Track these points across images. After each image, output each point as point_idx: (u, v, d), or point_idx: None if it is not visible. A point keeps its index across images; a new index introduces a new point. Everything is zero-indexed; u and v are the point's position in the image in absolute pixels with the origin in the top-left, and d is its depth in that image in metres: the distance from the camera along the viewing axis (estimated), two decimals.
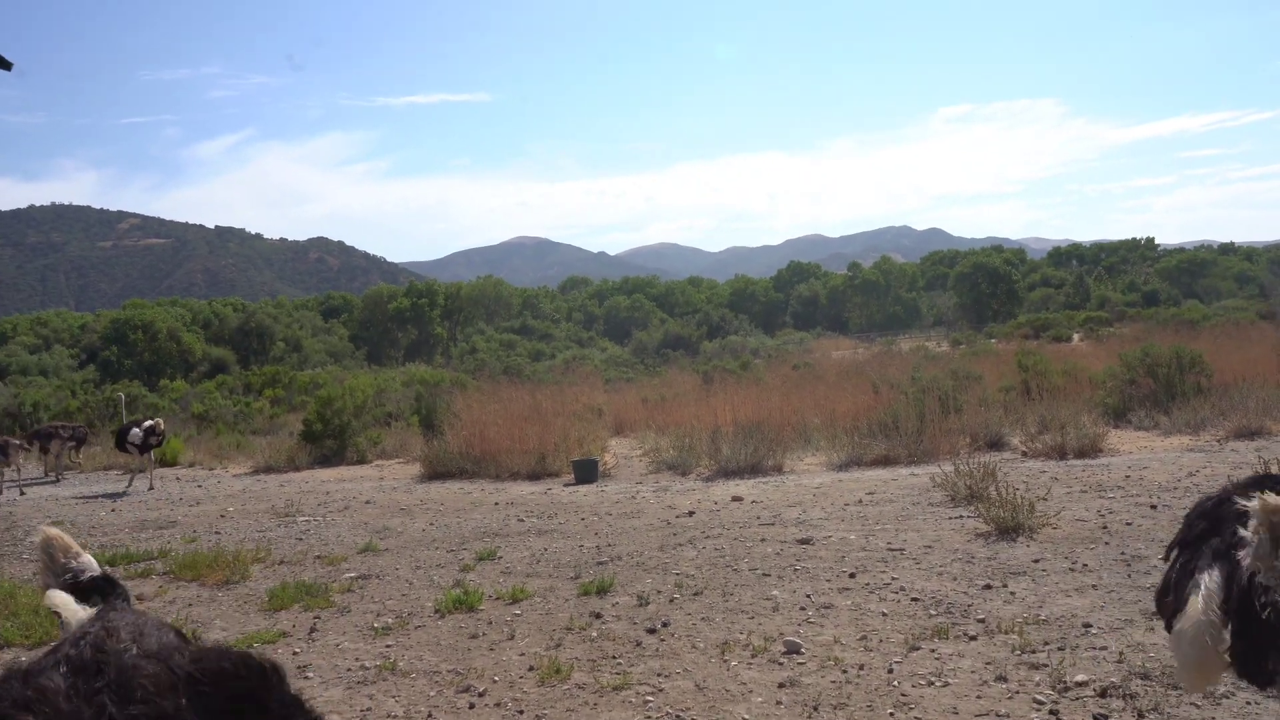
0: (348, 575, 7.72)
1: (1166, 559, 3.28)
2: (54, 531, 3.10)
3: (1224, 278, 77.33)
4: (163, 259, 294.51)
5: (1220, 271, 79.25)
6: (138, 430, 14.58)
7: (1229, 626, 2.73)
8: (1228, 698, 4.20)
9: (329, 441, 16.90)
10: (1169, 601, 3.08)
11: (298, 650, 5.81)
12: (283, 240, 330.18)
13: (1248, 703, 4.15)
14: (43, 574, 3.07)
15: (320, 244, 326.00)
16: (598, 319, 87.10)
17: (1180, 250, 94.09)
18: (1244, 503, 2.70)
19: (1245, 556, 2.68)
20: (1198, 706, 4.14)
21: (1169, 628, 3.03)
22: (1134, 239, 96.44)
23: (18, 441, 15.27)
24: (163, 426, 15.00)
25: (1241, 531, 2.70)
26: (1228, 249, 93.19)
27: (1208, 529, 3.04)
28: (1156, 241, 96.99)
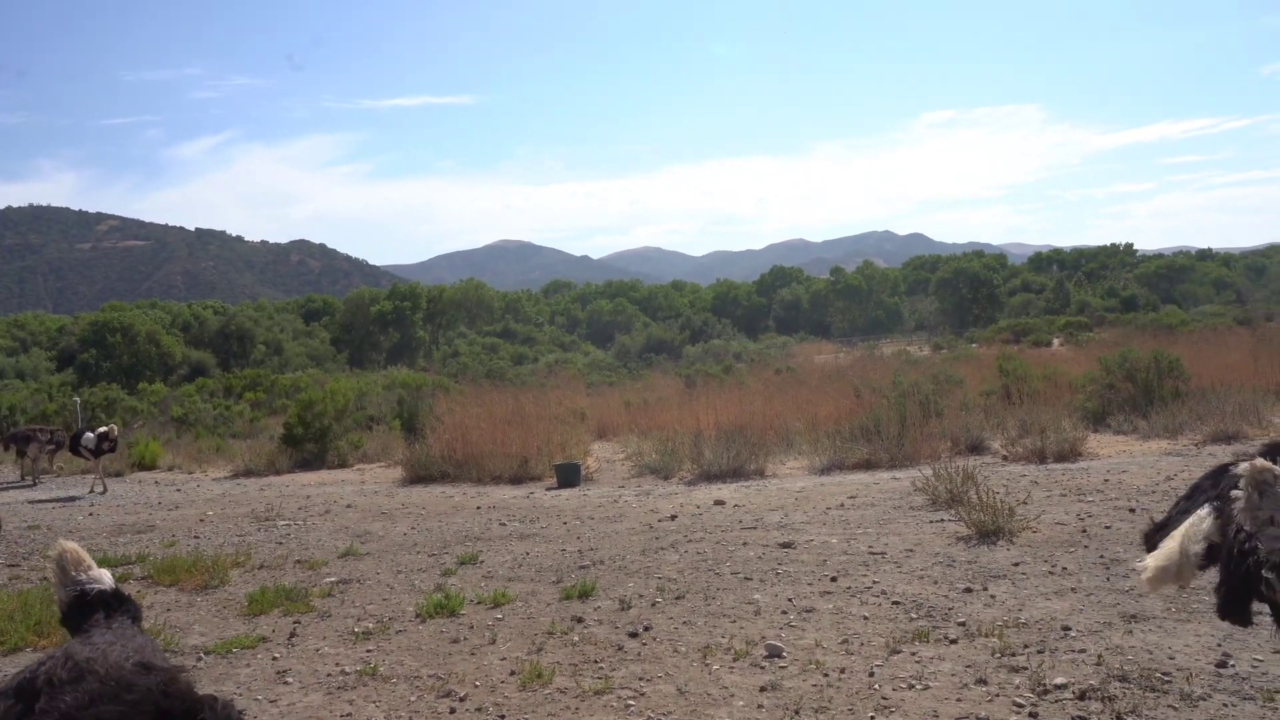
0: (328, 580, 7.68)
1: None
2: (69, 545, 3.08)
3: (1202, 283, 78.13)
4: (142, 261, 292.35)
5: (1198, 277, 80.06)
6: (91, 435, 14.95)
7: (1218, 572, 3.09)
8: (1204, 700, 4.24)
9: (310, 445, 16.81)
10: (1159, 537, 3.42)
11: (277, 655, 5.77)
12: (264, 243, 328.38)
13: (1223, 705, 4.18)
14: (55, 587, 3.05)
15: (302, 246, 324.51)
16: (581, 323, 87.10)
17: (1159, 256, 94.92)
18: (1237, 468, 2.97)
19: (1237, 511, 2.91)
20: (1175, 709, 4.17)
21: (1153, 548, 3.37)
22: (1113, 245, 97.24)
23: None
24: (115, 433, 15.27)
25: (1235, 491, 2.91)
26: (1206, 255, 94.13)
27: (1209, 487, 3.35)
28: (1136, 247, 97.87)
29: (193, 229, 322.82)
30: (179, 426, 23.75)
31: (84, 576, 3.01)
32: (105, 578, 3.07)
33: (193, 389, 33.98)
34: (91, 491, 14.66)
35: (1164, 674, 4.57)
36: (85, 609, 2.95)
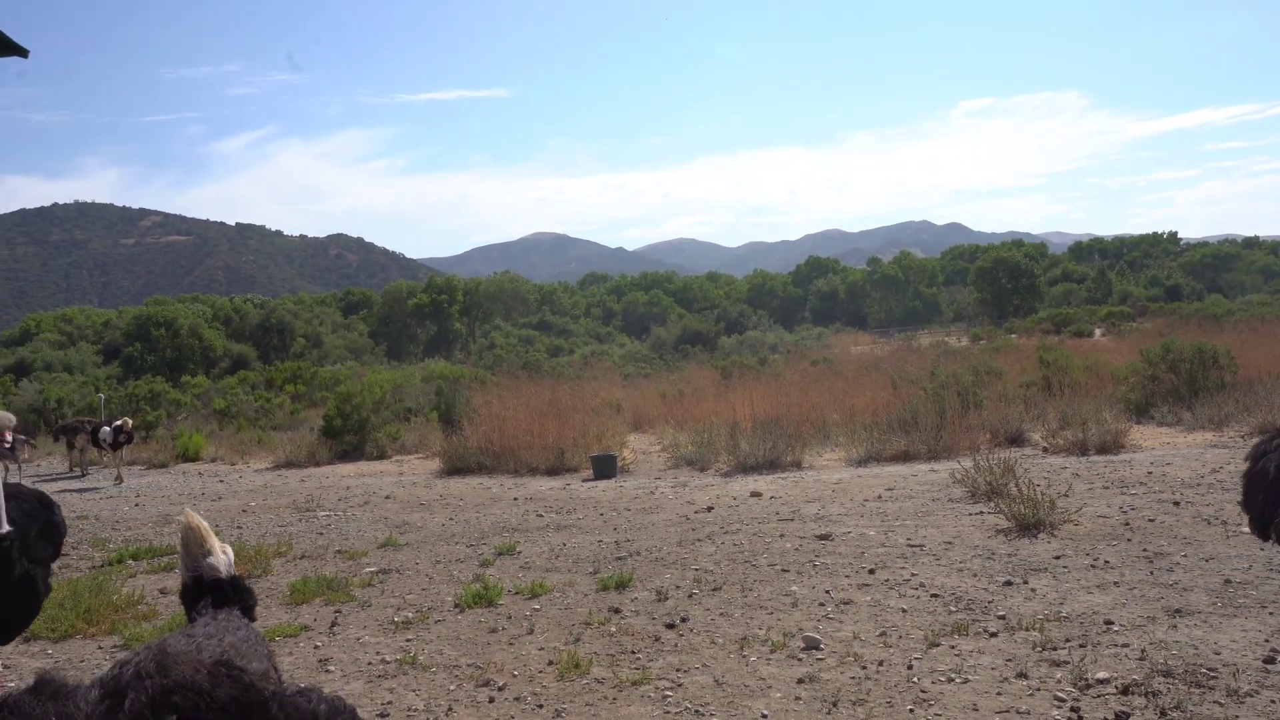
0: (368, 570, 7.77)
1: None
2: (194, 521, 3.12)
3: (1249, 272, 76.59)
4: (184, 256, 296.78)
5: (1245, 265, 78.49)
6: (107, 429, 15.57)
7: None
8: (1251, 696, 4.17)
9: (349, 437, 16.99)
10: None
11: (319, 644, 5.85)
12: (302, 237, 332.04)
13: (1272, 701, 4.11)
14: (180, 562, 3.11)
15: (340, 240, 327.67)
16: (616, 314, 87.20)
17: (1204, 244, 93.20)
18: None
19: None
20: (1220, 705, 4.11)
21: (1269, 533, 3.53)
22: (1156, 233, 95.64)
23: (23, 437, 15.85)
24: (130, 425, 15.95)
25: None
26: (1252, 243, 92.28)
27: None
28: (1180, 235, 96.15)
29: (233, 224, 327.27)
30: (221, 418, 24.12)
31: (202, 562, 3.06)
32: (221, 564, 3.10)
33: (234, 381, 34.46)
34: (117, 482, 15.02)
35: (1210, 669, 4.49)
36: (199, 593, 3.01)
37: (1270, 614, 5.22)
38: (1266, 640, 4.82)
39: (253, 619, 3.04)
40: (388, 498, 11.92)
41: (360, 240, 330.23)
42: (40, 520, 4.27)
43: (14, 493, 4.28)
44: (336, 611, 6.55)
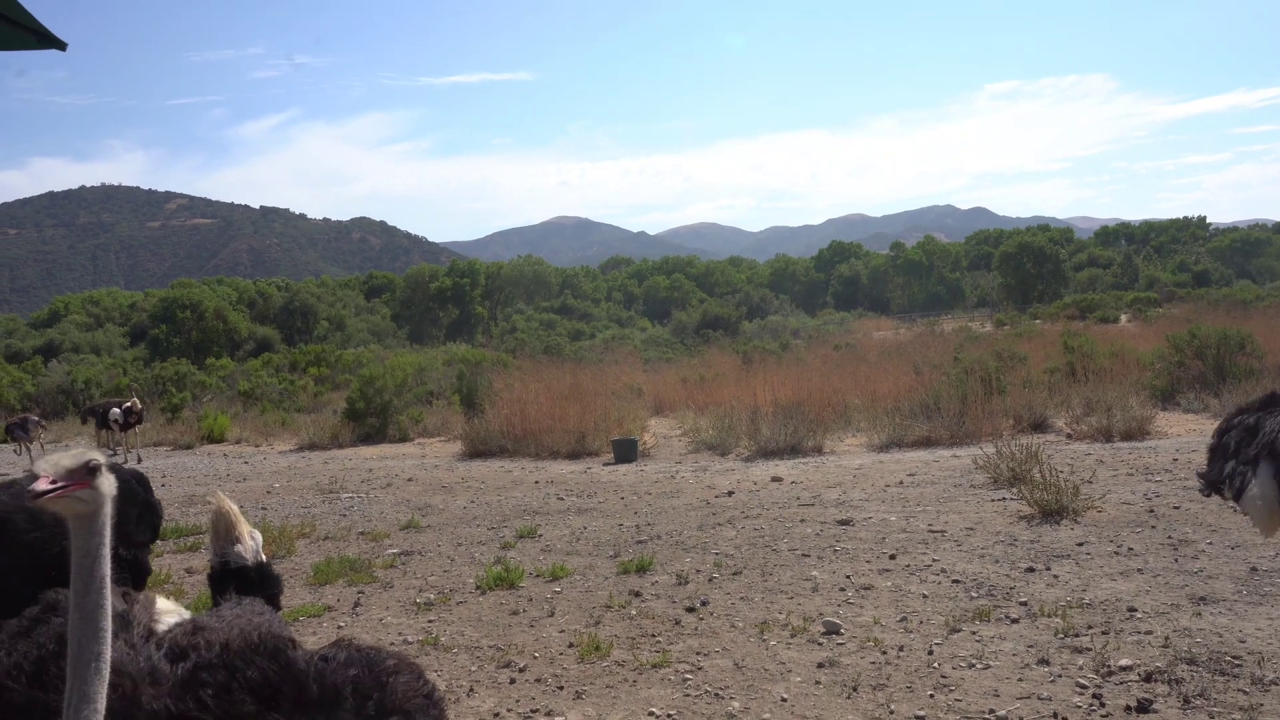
0: (390, 551, 7.83)
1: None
2: (225, 507, 3.16)
3: (1279, 257, 75.46)
4: (209, 239, 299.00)
5: (1275, 251, 77.43)
6: (117, 410, 16.02)
7: None
8: (1277, 684, 4.13)
9: (371, 420, 17.10)
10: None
11: (342, 624, 5.91)
12: (326, 220, 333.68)
13: None
14: (210, 545, 3.15)
15: (363, 224, 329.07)
16: (637, 299, 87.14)
17: (1233, 229, 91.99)
18: None
19: None
20: (1245, 693, 4.08)
21: (1237, 494, 3.88)
22: (1185, 218, 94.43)
23: (35, 418, 16.28)
24: (139, 407, 16.40)
25: None
26: None
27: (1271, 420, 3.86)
28: (1208, 220, 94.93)
29: (257, 207, 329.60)
30: (246, 401, 24.33)
31: (230, 549, 3.11)
32: (249, 551, 3.14)
33: (259, 364, 34.75)
34: (137, 463, 15.27)
35: (1234, 657, 4.46)
36: (225, 579, 3.05)
37: None
38: None
39: (278, 607, 3.08)
40: (410, 480, 11.99)
41: (383, 224, 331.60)
42: (139, 502, 4.21)
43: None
44: (359, 592, 6.61)
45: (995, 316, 51.85)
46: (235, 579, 3.07)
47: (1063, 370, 16.05)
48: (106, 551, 1.93)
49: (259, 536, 3.19)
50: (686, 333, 49.41)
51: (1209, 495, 4.24)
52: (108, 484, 1.96)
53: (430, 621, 5.87)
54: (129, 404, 16.11)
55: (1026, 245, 79.79)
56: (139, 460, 15.40)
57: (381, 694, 2.17)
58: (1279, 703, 3.97)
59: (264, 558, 3.43)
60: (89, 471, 1.94)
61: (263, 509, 10.30)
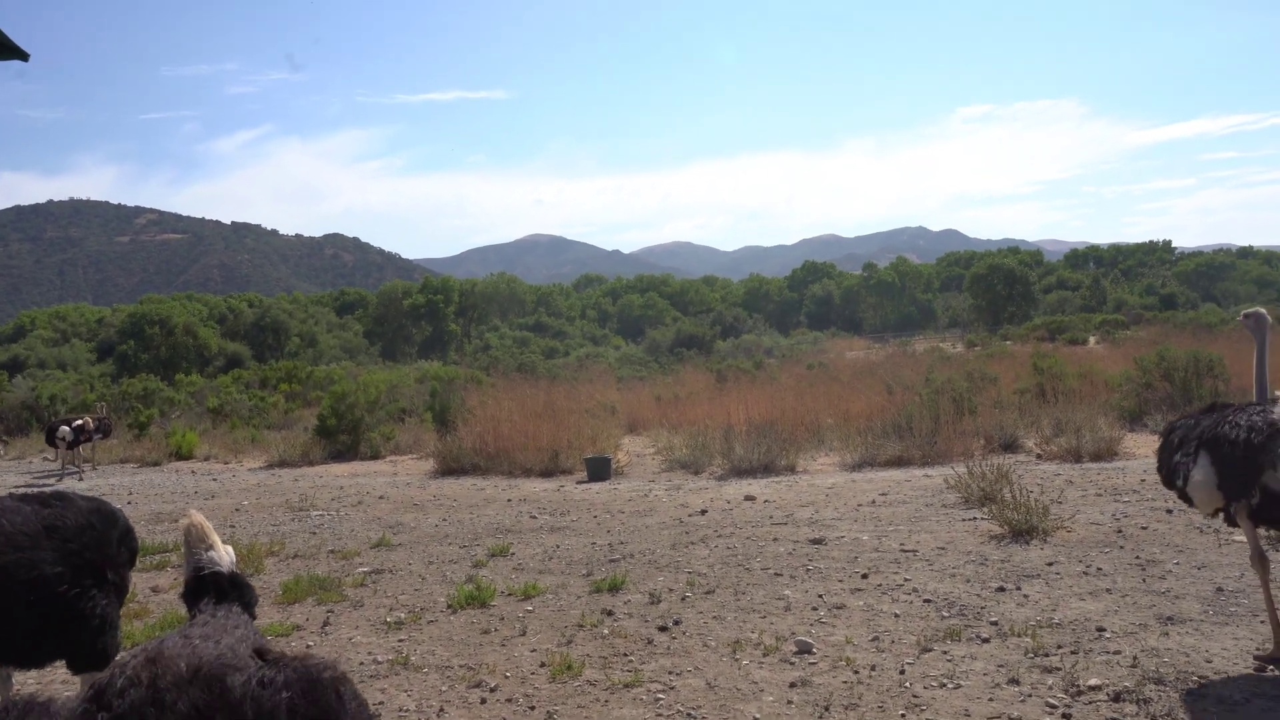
0: (361, 570, 7.76)
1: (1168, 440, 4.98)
2: (196, 519, 3.12)
3: (1243, 281, 76.82)
4: (179, 254, 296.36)
5: (1239, 275, 78.75)
6: (67, 428, 15.56)
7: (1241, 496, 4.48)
8: (1243, 705, 4.18)
9: (343, 437, 16.97)
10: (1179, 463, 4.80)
11: (310, 644, 5.84)
12: (299, 236, 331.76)
13: (1263, 710, 4.12)
14: (184, 559, 3.11)
15: (336, 240, 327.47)
16: (611, 317, 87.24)
17: (1199, 254, 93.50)
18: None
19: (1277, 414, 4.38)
20: (1211, 712, 4.11)
21: (1184, 480, 4.71)
22: (1151, 242, 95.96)
23: None
24: (92, 425, 16.01)
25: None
26: (1247, 252, 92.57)
27: (1206, 419, 4.77)
28: (1174, 245, 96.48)
29: (229, 222, 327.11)
30: (215, 417, 24.06)
31: (203, 556, 3.06)
32: (223, 560, 3.10)
33: (228, 380, 34.40)
34: (78, 479, 15.22)
35: (1201, 678, 4.50)
36: (200, 589, 3.01)
37: (1262, 622, 5.22)
38: (1258, 648, 4.83)
39: (253, 616, 3.04)
40: (381, 498, 11.90)
41: (356, 240, 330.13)
42: (120, 526, 4.14)
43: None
44: (329, 611, 6.54)
45: (966, 337, 52.33)
46: (211, 587, 3.02)
47: (1033, 391, 16.21)
48: None
49: (232, 552, 3.16)
50: (660, 351, 49.49)
51: (1170, 487, 4.98)
52: None
53: (400, 641, 5.81)
54: (80, 421, 15.78)
55: (997, 267, 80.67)
56: (80, 478, 15.23)
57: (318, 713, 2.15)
58: None
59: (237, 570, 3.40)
60: None
61: (231, 527, 10.17)
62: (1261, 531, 5.01)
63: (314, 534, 9.60)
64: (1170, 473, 4.85)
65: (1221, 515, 4.77)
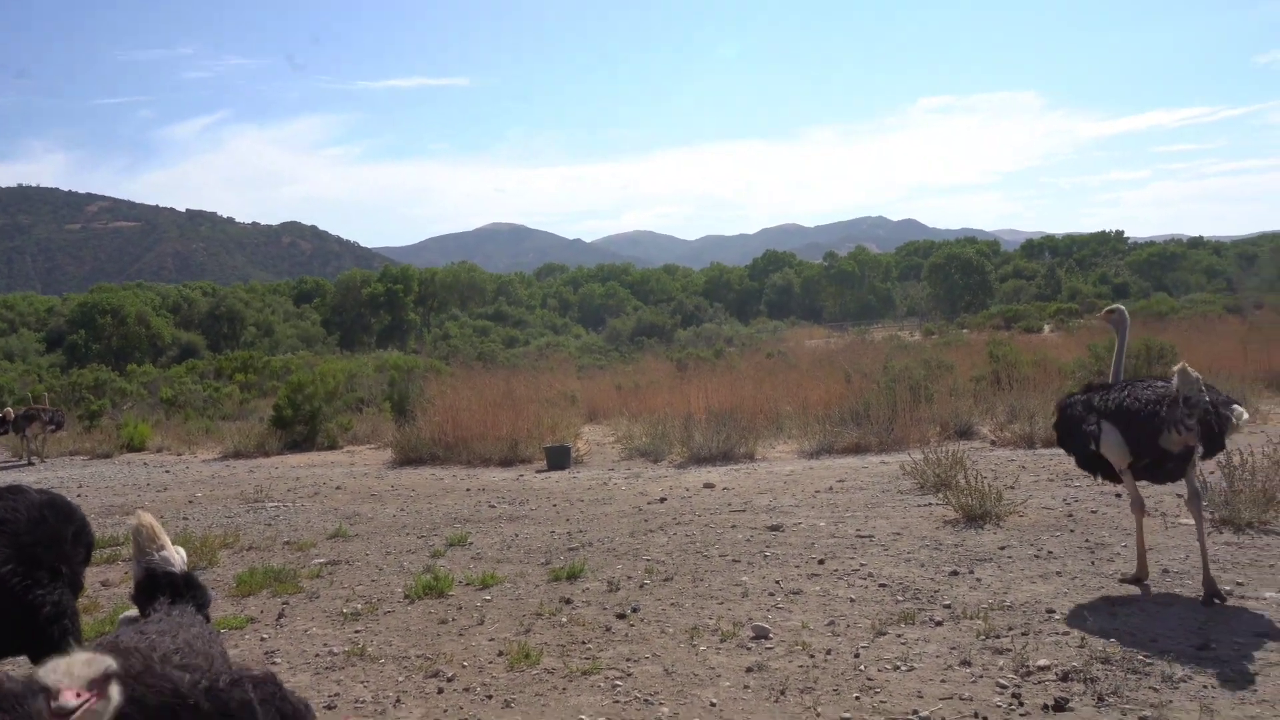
0: (317, 561, 7.69)
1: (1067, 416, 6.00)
2: (146, 520, 3.07)
3: (1193, 271, 78.29)
4: (132, 242, 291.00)
5: (1189, 265, 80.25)
6: (10, 410, 15.85)
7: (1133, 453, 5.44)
8: (1185, 682, 4.27)
9: (299, 427, 16.78)
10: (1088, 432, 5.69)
11: (265, 636, 5.79)
12: (255, 224, 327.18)
13: (1204, 687, 4.22)
14: (133, 559, 3.05)
15: (293, 228, 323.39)
16: (572, 306, 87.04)
17: (1151, 244, 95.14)
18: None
19: (1173, 386, 5.21)
20: (1155, 690, 4.21)
21: (1097, 443, 5.60)
22: (1105, 232, 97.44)
23: None
24: (12, 415, 16.10)
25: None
26: (1197, 243, 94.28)
27: (1099, 398, 5.74)
28: (1128, 235, 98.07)
29: (183, 210, 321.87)
30: (168, 408, 23.70)
31: (156, 555, 3.01)
32: (175, 559, 3.06)
33: (182, 370, 33.89)
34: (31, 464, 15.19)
35: (1146, 657, 4.60)
36: (153, 589, 2.97)
37: (1196, 596, 5.35)
38: (1200, 628, 4.95)
39: (207, 618, 3.02)
40: (338, 488, 11.80)
41: (314, 228, 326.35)
42: (76, 520, 4.05)
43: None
44: (284, 603, 6.48)
45: (924, 326, 52.91)
46: (165, 587, 2.98)
47: (988, 379, 16.41)
48: None
49: (183, 552, 3.12)
50: (621, 340, 49.51)
51: (1078, 451, 5.90)
52: (116, 692, 1.97)
53: (357, 632, 5.78)
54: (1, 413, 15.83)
55: (955, 257, 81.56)
56: (31, 462, 15.10)
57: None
58: (1187, 699, 4.11)
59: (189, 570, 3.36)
60: (105, 680, 1.94)
61: (184, 519, 10.03)
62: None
63: (269, 525, 9.50)
64: (1082, 439, 5.71)
65: (1108, 475, 5.79)
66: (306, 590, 6.79)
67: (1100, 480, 6.06)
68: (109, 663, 1.97)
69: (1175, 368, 5.32)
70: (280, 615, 6.21)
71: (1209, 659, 4.53)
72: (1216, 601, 5.29)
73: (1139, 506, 5.76)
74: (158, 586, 2.97)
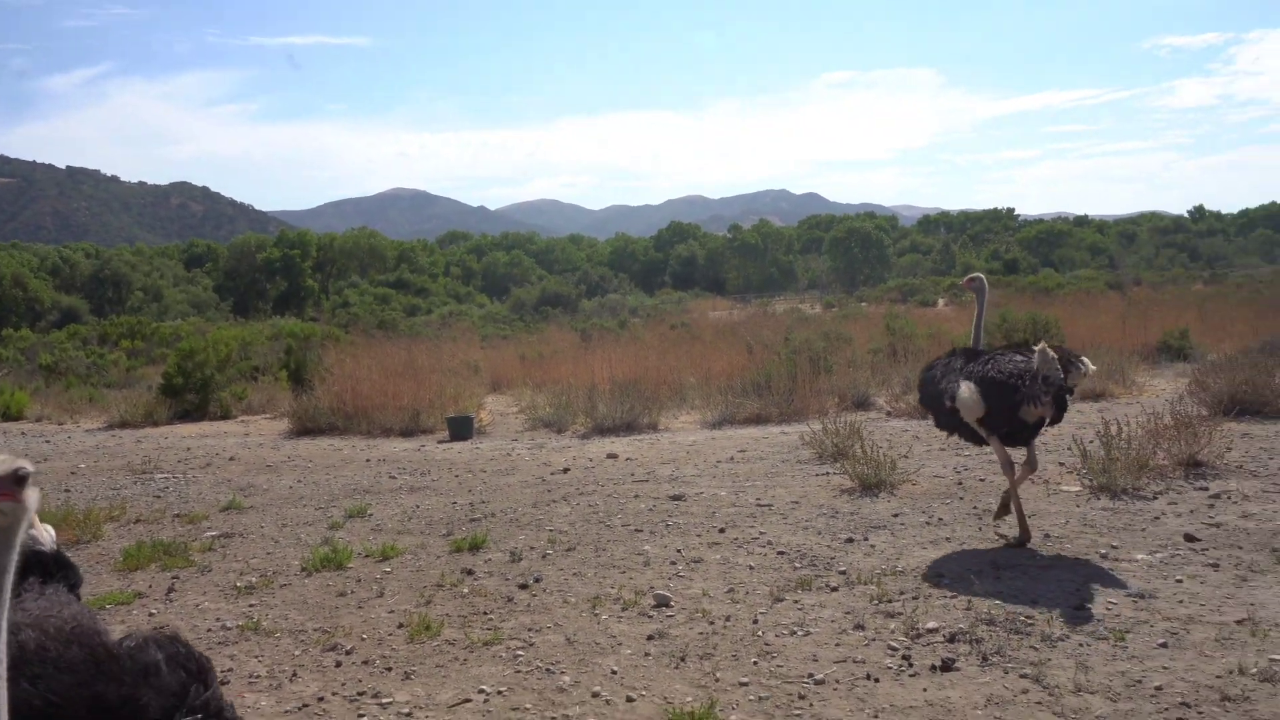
0: (209, 534, 7.48)
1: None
2: None
3: (1078, 248, 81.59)
4: (6, 200, 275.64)
5: (1074, 242, 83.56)
6: None
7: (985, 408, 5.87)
8: (1063, 640, 4.49)
9: (190, 396, 16.23)
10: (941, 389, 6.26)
11: (154, 611, 5.61)
12: (142, 184, 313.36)
13: (1080, 645, 4.44)
14: None
15: (184, 189, 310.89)
16: (476, 274, 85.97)
17: (1040, 221, 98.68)
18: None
19: (1034, 364, 5.66)
20: (1036, 649, 4.42)
21: (951, 399, 6.04)
22: (997, 209, 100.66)
23: None
24: None
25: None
26: (1083, 221, 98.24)
27: (960, 363, 6.29)
28: (1018, 212, 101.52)
29: (63, 167, 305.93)
30: (48, 375, 22.63)
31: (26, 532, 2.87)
32: (45, 537, 2.93)
33: (63, 336, 32.36)
34: None
35: (1027, 617, 4.82)
36: (23, 569, 2.83)
37: (1082, 565, 5.63)
38: (1078, 589, 5.21)
39: (78, 597, 2.92)
40: (232, 459, 11.47)
41: (206, 189, 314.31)
42: None
43: None
44: (174, 578, 6.29)
45: (824, 299, 53.97)
46: (34, 567, 2.86)
47: (885, 351, 16.85)
48: (13, 568, 1.82)
49: (52, 530, 2.99)
50: (526, 310, 49.20)
51: (934, 407, 6.50)
52: (34, 496, 1.86)
53: (251, 606, 5.65)
54: None
55: (855, 231, 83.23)
56: None
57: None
58: (1064, 657, 4.32)
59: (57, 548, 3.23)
60: (17, 481, 1.82)
61: (66, 491, 9.62)
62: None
63: (158, 498, 9.18)
64: (938, 395, 6.27)
65: (965, 435, 6.37)
66: (198, 564, 6.60)
67: (962, 441, 6.63)
68: (22, 464, 1.88)
69: (1036, 347, 5.77)
70: (170, 590, 6.02)
71: (1085, 618, 4.78)
72: (1028, 544, 6.06)
73: (1009, 468, 6.12)
74: (27, 566, 2.85)
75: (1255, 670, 4.05)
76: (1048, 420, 5.89)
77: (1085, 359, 5.90)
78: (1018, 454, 6.21)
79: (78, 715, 2.11)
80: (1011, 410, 5.76)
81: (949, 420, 6.29)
